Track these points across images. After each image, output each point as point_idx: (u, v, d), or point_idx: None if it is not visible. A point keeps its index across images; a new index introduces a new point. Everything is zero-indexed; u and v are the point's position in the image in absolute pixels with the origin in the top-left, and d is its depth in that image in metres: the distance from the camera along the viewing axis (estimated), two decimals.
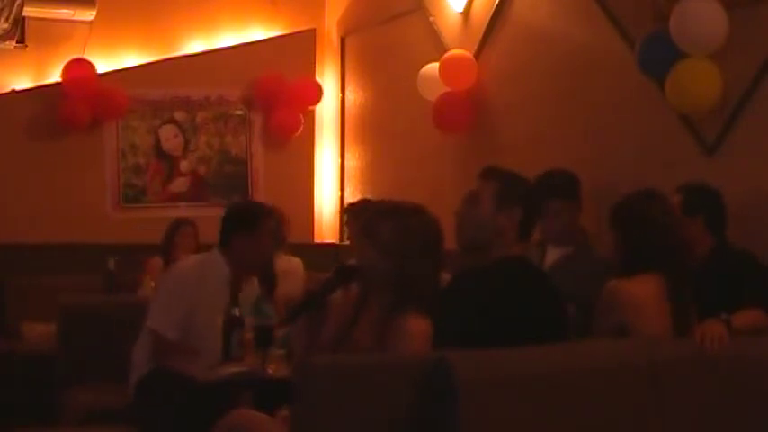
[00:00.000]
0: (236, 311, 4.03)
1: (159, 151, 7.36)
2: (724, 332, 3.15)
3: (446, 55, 6.02)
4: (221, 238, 4.29)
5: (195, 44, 7.45)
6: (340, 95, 7.59)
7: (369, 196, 6.41)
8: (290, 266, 5.61)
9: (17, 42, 6.74)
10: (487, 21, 5.91)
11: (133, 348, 4.19)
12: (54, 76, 7.04)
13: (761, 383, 3.19)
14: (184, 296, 4.11)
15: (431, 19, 6.42)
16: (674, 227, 3.46)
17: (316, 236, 7.67)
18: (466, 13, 6.13)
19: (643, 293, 3.32)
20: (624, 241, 3.46)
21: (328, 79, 7.70)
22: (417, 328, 3.12)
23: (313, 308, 3.38)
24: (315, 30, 7.72)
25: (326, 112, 7.74)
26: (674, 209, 3.59)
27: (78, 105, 6.92)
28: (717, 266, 3.82)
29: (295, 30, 7.68)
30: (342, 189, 7.56)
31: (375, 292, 3.24)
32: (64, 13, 6.75)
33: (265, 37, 7.61)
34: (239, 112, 7.53)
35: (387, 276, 3.13)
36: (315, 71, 7.67)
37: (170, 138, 7.39)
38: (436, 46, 6.27)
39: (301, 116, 7.54)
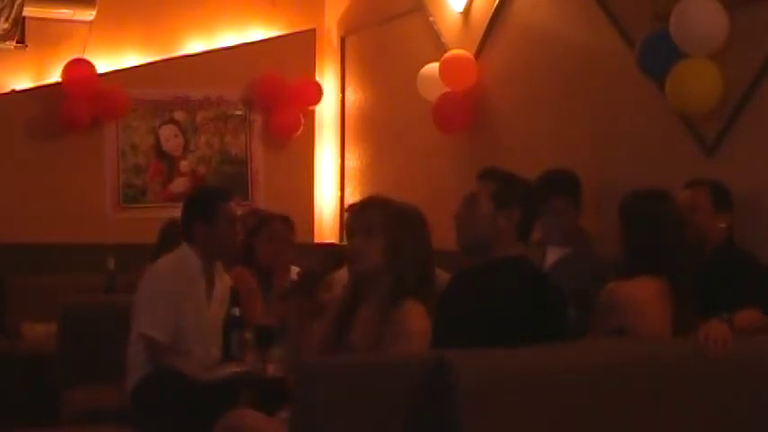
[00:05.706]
0: (237, 311, 4.03)
1: (159, 151, 7.35)
2: (728, 333, 3.12)
3: (446, 55, 6.02)
4: (184, 231, 4.27)
5: (195, 44, 7.44)
6: (340, 95, 7.59)
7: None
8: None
9: (17, 42, 6.72)
10: (487, 21, 5.91)
11: (126, 355, 4.15)
12: (54, 76, 7.02)
13: (761, 383, 3.19)
14: (167, 297, 4.08)
15: (431, 19, 6.41)
16: (681, 227, 3.45)
17: (316, 236, 7.66)
18: (466, 13, 6.13)
19: (644, 295, 3.29)
20: (631, 240, 3.41)
21: (328, 79, 7.70)
22: (417, 325, 3.15)
23: (311, 286, 3.52)
24: (315, 30, 7.71)
25: (326, 112, 7.73)
26: (678, 209, 3.57)
27: (78, 105, 6.91)
28: (722, 264, 3.82)
29: (295, 30, 7.67)
30: (342, 189, 7.55)
31: (372, 285, 3.29)
32: (64, 13, 6.74)
33: (265, 37, 7.60)
34: (239, 112, 7.52)
35: (384, 264, 3.24)
36: (315, 71, 7.66)
37: (170, 138, 7.38)
38: (436, 46, 6.27)
39: (301, 116, 7.53)
